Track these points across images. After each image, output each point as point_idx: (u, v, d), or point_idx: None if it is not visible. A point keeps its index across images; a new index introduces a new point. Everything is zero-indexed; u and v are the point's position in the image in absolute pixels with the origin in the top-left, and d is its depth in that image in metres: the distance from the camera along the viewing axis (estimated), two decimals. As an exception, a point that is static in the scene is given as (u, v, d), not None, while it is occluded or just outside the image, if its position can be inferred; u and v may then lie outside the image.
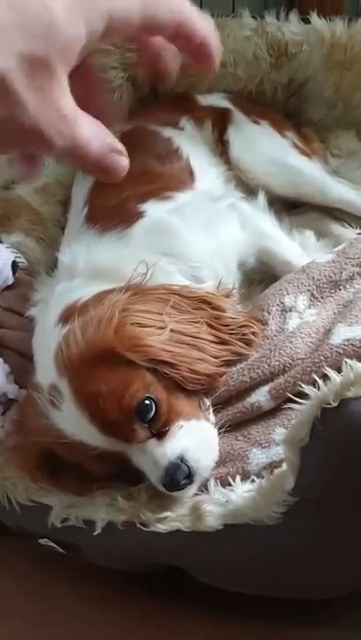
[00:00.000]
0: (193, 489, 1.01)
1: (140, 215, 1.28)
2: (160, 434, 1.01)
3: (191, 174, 1.45)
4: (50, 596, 1.12)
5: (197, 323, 1.10)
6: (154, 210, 1.30)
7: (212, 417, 1.08)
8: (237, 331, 1.14)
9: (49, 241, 1.52)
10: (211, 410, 1.09)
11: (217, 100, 1.67)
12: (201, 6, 1.74)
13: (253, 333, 1.15)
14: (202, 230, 1.28)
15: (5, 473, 1.09)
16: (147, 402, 1.00)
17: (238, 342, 1.13)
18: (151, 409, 1.00)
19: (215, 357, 1.10)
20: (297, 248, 1.40)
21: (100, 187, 1.40)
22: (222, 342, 1.12)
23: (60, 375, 1.02)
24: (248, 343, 1.15)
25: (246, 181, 1.55)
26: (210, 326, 1.12)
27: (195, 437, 1.02)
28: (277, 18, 1.72)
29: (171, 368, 1.03)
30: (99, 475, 1.04)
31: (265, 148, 1.59)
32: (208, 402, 1.09)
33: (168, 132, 1.53)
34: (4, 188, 1.64)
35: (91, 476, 1.04)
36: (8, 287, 1.35)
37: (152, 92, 1.76)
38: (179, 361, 1.04)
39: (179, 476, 0.99)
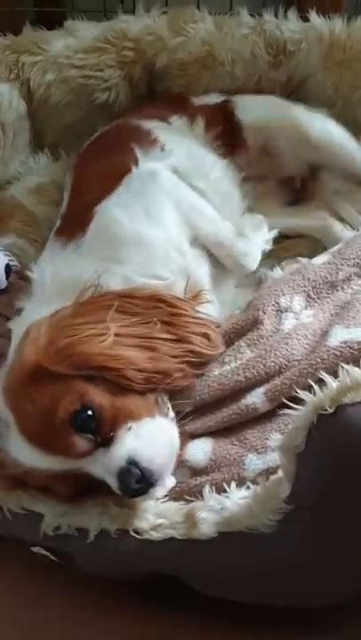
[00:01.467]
0: (159, 491, 0.97)
1: (92, 218, 1.23)
2: (107, 440, 0.96)
3: None
4: (44, 604, 1.12)
5: (149, 323, 1.07)
6: (103, 208, 1.24)
7: (170, 412, 1.04)
8: (197, 329, 1.12)
9: (42, 242, 1.49)
10: (169, 405, 1.05)
11: (213, 98, 1.66)
12: (198, 5, 1.74)
13: (207, 335, 1.13)
14: (145, 221, 1.22)
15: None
16: (83, 412, 0.96)
17: (198, 341, 1.11)
18: (90, 418, 0.96)
19: (172, 356, 1.06)
20: (230, 229, 1.34)
21: (73, 195, 1.39)
22: (180, 340, 1.09)
23: (4, 404, 1.00)
24: (208, 341, 1.12)
25: (263, 146, 1.54)
26: (167, 324, 1.09)
27: (145, 437, 0.97)
28: (276, 16, 1.71)
29: (111, 371, 0.99)
30: (69, 495, 1.02)
31: (277, 103, 1.61)
32: (166, 397, 1.05)
33: (150, 124, 1.48)
34: (-2, 189, 1.63)
35: (81, 483, 1.01)
36: (1, 291, 1.33)
37: (149, 91, 1.74)
38: (121, 363, 1.00)
39: (130, 480, 0.94)
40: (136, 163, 1.30)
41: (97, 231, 1.22)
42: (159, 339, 1.06)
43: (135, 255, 1.19)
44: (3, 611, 1.12)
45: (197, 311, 1.15)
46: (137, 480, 0.94)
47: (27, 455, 0.98)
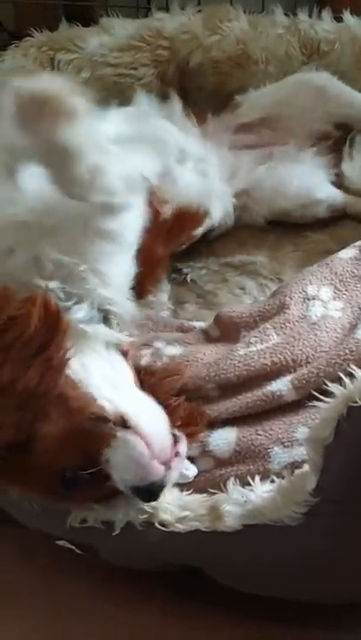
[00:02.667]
0: (171, 477, 0.95)
1: None
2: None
3: None
4: (68, 592, 1.13)
5: None
6: None
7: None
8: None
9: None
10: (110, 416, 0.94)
11: None
12: (231, 2, 1.75)
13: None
14: None
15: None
16: (66, 477, 0.93)
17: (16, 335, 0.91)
18: (72, 477, 0.93)
19: (11, 380, 0.89)
20: None
21: None
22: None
23: None
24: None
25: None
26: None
27: (119, 470, 0.93)
28: (310, 16, 1.71)
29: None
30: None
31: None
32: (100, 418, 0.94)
33: None
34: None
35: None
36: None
37: (180, 90, 1.74)
38: None
39: (140, 496, 0.94)
40: None
41: None
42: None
43: None
44: (27, 597, 1.13)
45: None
46: (146, 495, 0.94)
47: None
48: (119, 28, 1.68)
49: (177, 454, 0.96)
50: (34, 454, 0.92)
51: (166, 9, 1.75)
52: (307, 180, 1.57)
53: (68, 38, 1.66)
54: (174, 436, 0.98)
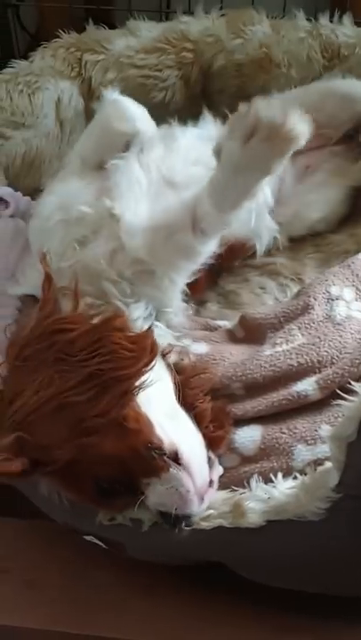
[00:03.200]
0: (199, 510, 0.98)
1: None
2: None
3: None
4: (92, 583, 1.14)
5: (49, 381, 0.96)
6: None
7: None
8: (104, 349, 0.97)
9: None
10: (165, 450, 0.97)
11: None
12: (254, 6, 1.77)
13: (118, 340, 0.99)
14: None
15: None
16: (99, 486, 0.97)
17: (106, 361, 0.97)
18: (107, 488, 0.97)
19: (86, 402, 0.94)
20: None
21: None
22: (88, 377, 0.95)
23: None
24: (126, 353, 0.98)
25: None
26: (64, 359, 0.97)
27: (159, 497, 0.97)
28: (331, 20, 1.73)
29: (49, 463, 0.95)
30: None
31: None
32: (157, 449, 0.97)
33: None
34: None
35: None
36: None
37: (203, 92, 1.77)
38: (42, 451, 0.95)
39: (168, 524, 0.98)
40: None
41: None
42: (65, 391, 0.95)
43: None
44: (51, 587, 1.14)
45: (76, 311, 1.03)
46: (173, 523, 0.97)
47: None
48: (145, 31, 1.71)
49: (211, 483, 1.00)
50: (79, 461, 0.95)
51: (189, 13, 1.77)
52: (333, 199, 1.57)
53: (95, 40, 1.68)
54: (209, 459, 1.02)
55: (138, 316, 1.12)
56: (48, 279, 1.03)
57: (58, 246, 1.15)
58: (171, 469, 0.96)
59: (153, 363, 0.98)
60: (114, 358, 0.96)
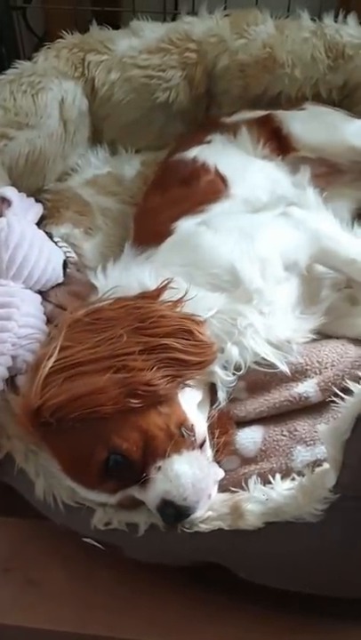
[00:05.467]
0: (199, 513, 0.99)
1: (170, 233, 1.27)
2: (141, 479, 0.99)
3: (224, 182, 1.42)
4: (93, 581, 1.14)
5: (114, 339, 1.03)
6: (184, 225, 1.28)
7: (198, 441, 1.02)
8: (174, 328, 1.07)
9: (96, 231, 1.55)
10: (194, 435, 1.02)
11: (245, 115, 1.66)
12: (258, 6, 1.77)
13: (189, 332, 1.07)
14: (232, 236, 1.22)
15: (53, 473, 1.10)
16: (112, 459, 0.98)
17: (176, 342, 1.05)
18: (120, 463, 0.98)
19: (141, 369, 1.01)
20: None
21: (141, 215, 1.43)
22: (153, 347, 1.04)
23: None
24: (191, 338, 1.07)
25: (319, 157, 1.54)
26: (138, 330, 1.05)
27: (174, 477, 0.97)
28: (335, 20, 1.73)
29: (91, 412, 0.98)
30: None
31: (327, 125, 1.59)
32: (191, 428, 1.02)
33: (192, 152, 1.51)
34: (57, 181, 1.68)
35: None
36: (58, 284, 1.37)
37: (207, 92, 1.77)
38: (94, 400, 0.98)
39: (168, 518, 0.99)
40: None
41: (174, 243, 1.25)
42: (125, 354, 1.02)
43: (203, 262, 1.20)
44: (53, 585, 1.15)
45: (171, 306, 1.10)
46: (175, 516, 0.98)
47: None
48: (148, 31, 1.71)
49: (209, 496, 1.01)
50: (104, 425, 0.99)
51: (193, 13, 1.77)
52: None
53: (98, 40, 1.69)
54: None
55: None
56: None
57: None
58: (195, 450, 1.00)
59: (212, 366, 1.09)
60: (185, 344, 1.05)
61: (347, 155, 1.54)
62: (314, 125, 1.58)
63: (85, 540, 1.11)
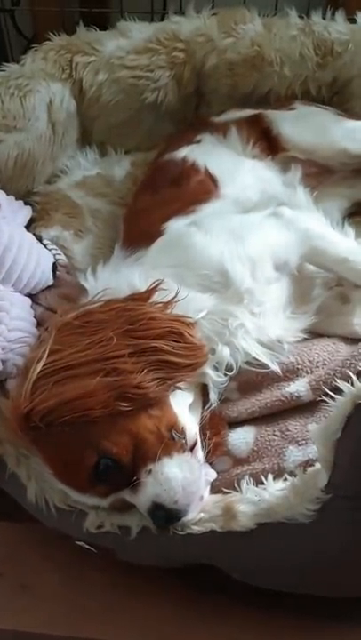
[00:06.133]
0: (190, 516, 0.99)
1: (160, 234, 1.26)
2: (132, 483, 0.99)
3: (214, 182, 1.41)
4: (86, 585, 1.14)
5: (103, 341, 1.03)
6: (174, 225, 1.27)
7: (188, 444, 1.01)
8: (164, 330, 1.06)
9: (86, 233, 1.54)
10: (184, 437, 1.01)
11: (234, 114, 1.65)
12: (246, 5, 1.76)
13: (180, 334, 1.07)
14: (223, 236, 1.21)
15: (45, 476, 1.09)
16: (102, 464, 0.98)
17: (166, 344, 1.04)
18: (109, 468, 0.98)
19: (131, 372, 1.00)
20: (352, 243, 1.27)
21: (130, 216, 1.43)
22: (143, 352, 1.03)
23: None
24: (182, 340, 1.07)
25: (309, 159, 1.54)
26: (128, 332, 1.05)
27: (164, 480, 0.97)
28: (323, 17, 1.72)
29: (80, 415, 0.98)
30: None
31: (316, 126, 1.58)
32: (181, 430, 1.02)
33: (181, 152, 1.50)
34: (46, 183, 1.67)
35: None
36: (48, 287, 1.37)
37: (196, 92, 1.77)
38: (83, 404, 0.98)
39: (159, 521, 0.99)
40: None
41: (163, 244, 1.24)
42: (115, 357, 1.02)
43: (193, 263, 1.19)
44: (47, 589, 1.15)
45: (161, 308, 1.10)
46: (166, 519, 0.98)
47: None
48: (136, 32, 1.70)
49: (201, 498, 1.01)
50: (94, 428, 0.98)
51: (181, 13, 1.76)
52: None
53: (86, 42, 1.68)
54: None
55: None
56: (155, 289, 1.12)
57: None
58: (186, 452, 0.99)
59: (203, 368, 1.08)
60: (176, 346, 1.04)
61: (337, 157, 1.54)
62: (304, 127, 1.58)
63: (78, 543, 1.11)
